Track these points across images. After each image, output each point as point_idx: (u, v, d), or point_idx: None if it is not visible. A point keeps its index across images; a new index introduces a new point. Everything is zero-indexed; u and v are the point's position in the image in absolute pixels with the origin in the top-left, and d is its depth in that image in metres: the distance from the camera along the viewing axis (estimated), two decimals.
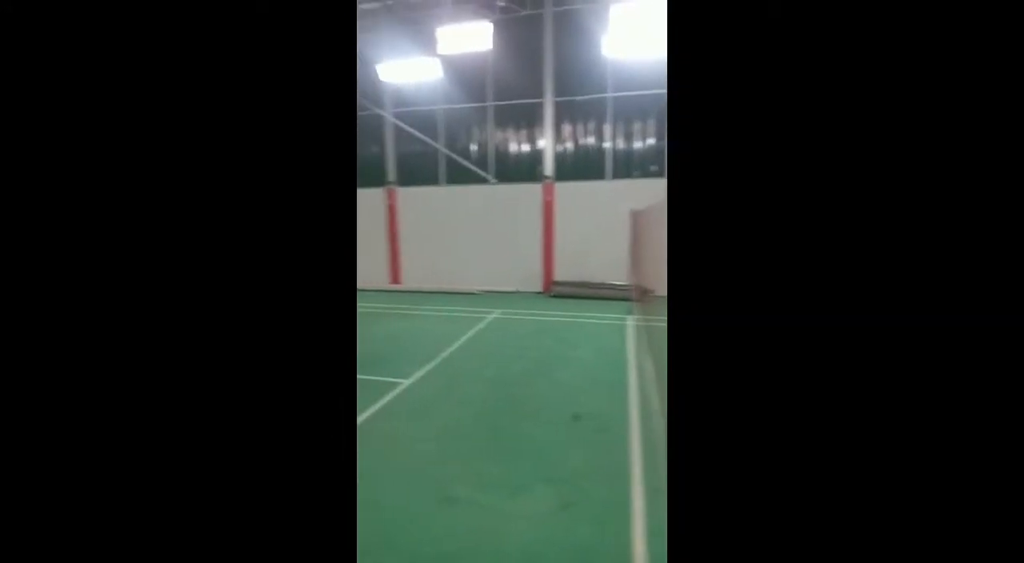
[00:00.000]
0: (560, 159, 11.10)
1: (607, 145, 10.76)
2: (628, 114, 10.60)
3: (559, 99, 10.86)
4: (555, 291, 10.88)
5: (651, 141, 10.57)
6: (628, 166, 10.77)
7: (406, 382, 5.03)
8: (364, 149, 12.03)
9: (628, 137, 10.73)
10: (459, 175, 11.63)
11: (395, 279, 12.32)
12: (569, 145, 11.11)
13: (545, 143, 10.95)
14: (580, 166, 11.01)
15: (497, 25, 10.75)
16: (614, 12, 9.27)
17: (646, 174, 10.58)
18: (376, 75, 11.30)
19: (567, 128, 11.06)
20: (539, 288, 11.37)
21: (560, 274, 11.16)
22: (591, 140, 10.94)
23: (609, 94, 10.57)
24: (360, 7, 10.95)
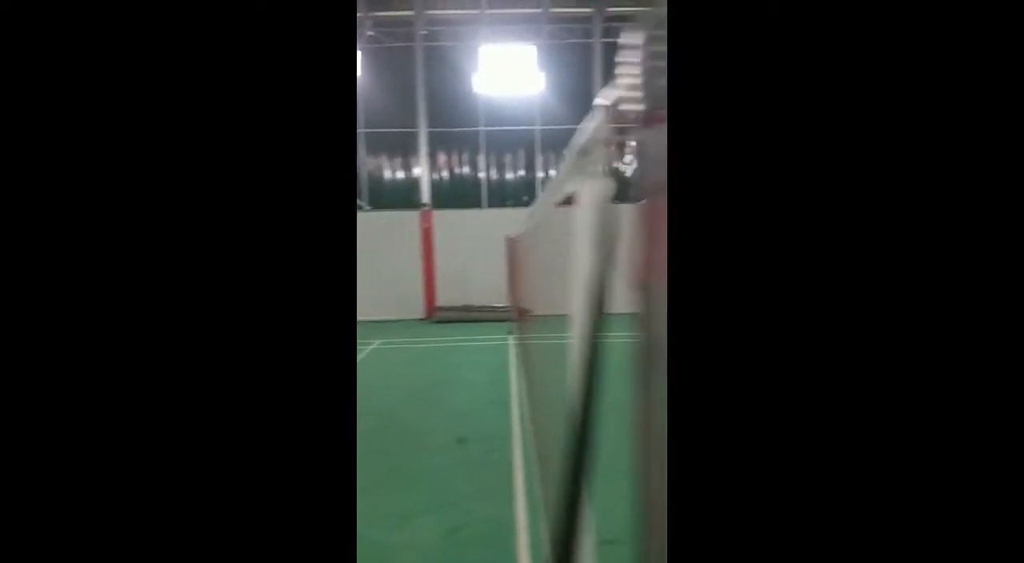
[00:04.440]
0: (437, 187, 11.30)
1: (481, 175, 11.25)
2: (500, 147, 11.24)
3: (433, 129, 11.12)
4: (438, 316, 10.88)
5: (521, 173, 11.33)
6: (502, 195, 11.36)
7: None
8: None
9: (500, 168, 11.35)
10: None
11: None
12: (445, 174, 11.39)
13: (421, 171, 11.09)
14: (457, 194, 11.33)
15: (366, 54, 10.75)
16: (483, 52, 9.89)
17: (519, 203, 11.28)
18: None
19: (442, 157, 11.34)
20: (421, 314, 11.29)
21: (442, 299, 11.22)
22: (466, 170, 11.36)
23: (482, 128, 11.13)
24: None
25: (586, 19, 11.11)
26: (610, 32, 11.17)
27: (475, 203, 11.27)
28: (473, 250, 11.07)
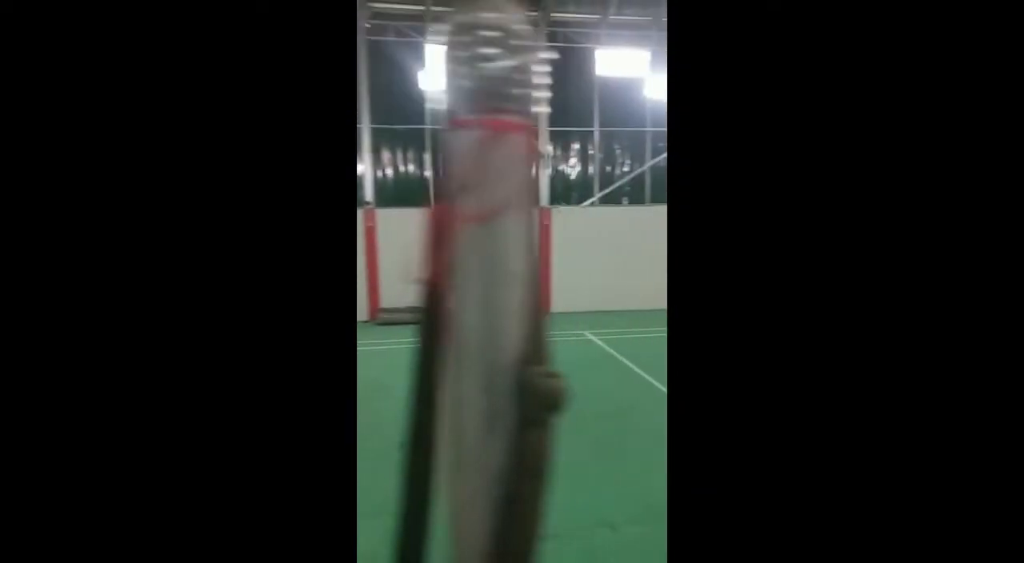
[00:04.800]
0: (380, 185, 11.01)
1: (427, 173, 11.08)
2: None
3: (376, 126, 10.83)
4: (381, 318, 10.60)
5: None
6: None
7: None
8: None
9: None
10: None
11: None
12: (389, 172, 11.11)
13: (364, 169, 10.76)
14: (402, 193, 11.09)
15: None
16: (429, 50, 9.74)
17: None
18: None
19: (387, 155, 11.06)
20: (364, 316, 10.95)
21: (387, 301, 10.94)
22: (412, 168, 11.14)
23: (428, 125, 10.95)
24: None
25: (533, 23, 11.23)
26: (555, 37, 11.36)
27: (420, 201, 11.08)
28: (417, 249, 10.85)
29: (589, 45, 11.48)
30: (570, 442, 4.20)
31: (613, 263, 11.49)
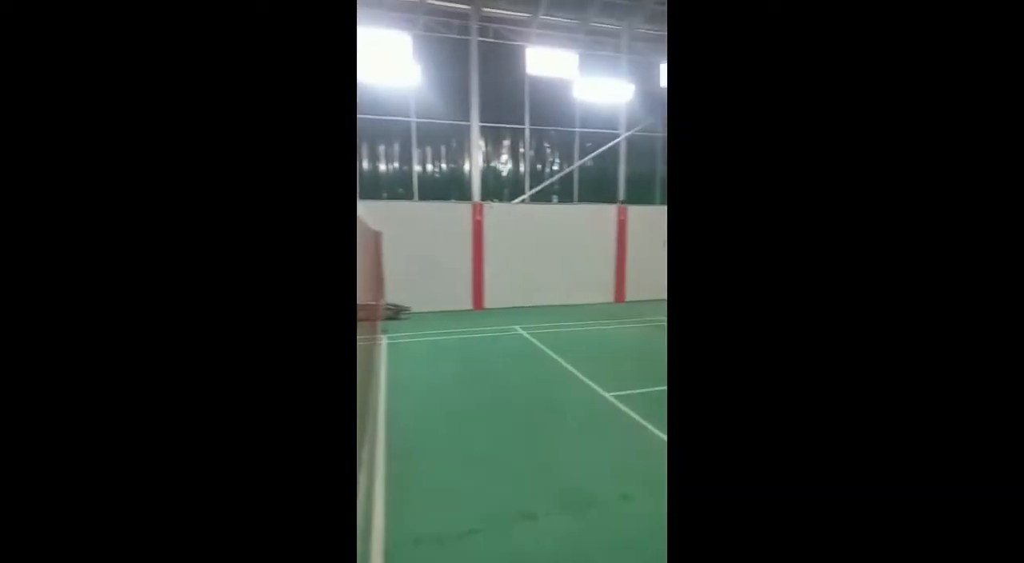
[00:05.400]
0: None
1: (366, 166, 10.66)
2: (374, 137, 10.76)
3: None
4: None
5: (396, 165, 10.99)
6: (377, 187, 10.91)
7: None
8: None
9: (374, 159, 10.88)
10: None
11: None
12: None
13: None
14: None
15: None
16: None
17: (394, 196, 10.95)
18: None
19: None
20: None
21: None
22: None
23: (358, 115, 10.52)
24: None
25: (463, 15, 11.12)
26: (487, 32, 11.34)
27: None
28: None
29: (520, 42, 11.59)
30: (496, 434, 4.26)
31: (543, 259, 11.74)
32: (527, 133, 11.97)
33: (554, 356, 6.98)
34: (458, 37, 11.18)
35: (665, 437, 4.10)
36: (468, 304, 11.28)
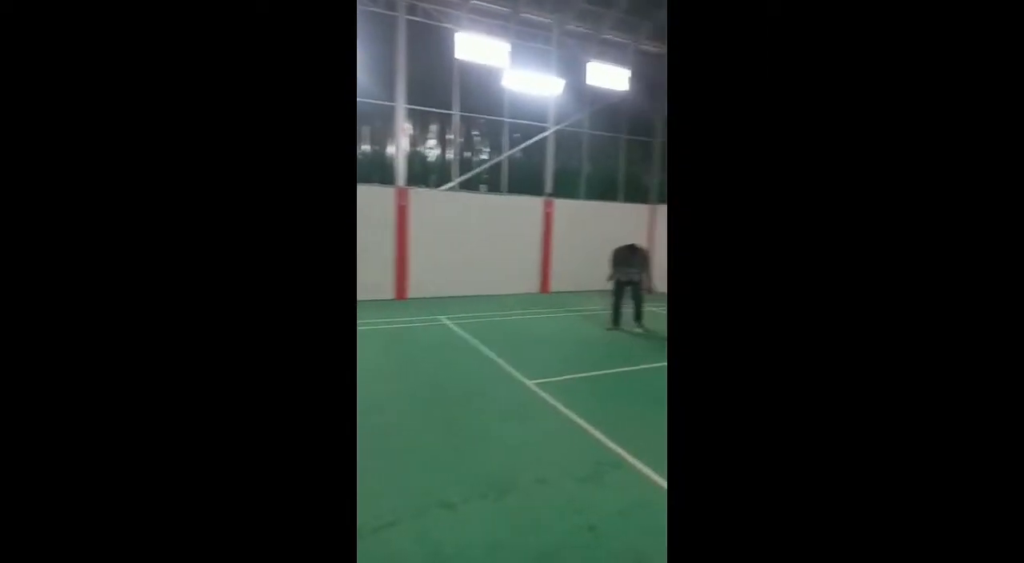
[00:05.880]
0: None
1: None
2: None
3: None
4: None
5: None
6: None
7: None
8: None
9: None
10: None
11: None
12: None
13: None
14: None
15: None
16: None
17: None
18: None
19: None
20: None
21: None
22: None
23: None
24: None
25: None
26: (415, 11, 10.96)
27: None
28: None
29: (450, 25, 11.32)
30: (416, 426, 4.21)
31: (470, 249, 11.68)
32: (455, 119, 11.77)
33: (479, 345, 6.99)
34: (385, 12, 10.69)
35: (582, 422, 4.27)
36: (391, 293, 10.96)
